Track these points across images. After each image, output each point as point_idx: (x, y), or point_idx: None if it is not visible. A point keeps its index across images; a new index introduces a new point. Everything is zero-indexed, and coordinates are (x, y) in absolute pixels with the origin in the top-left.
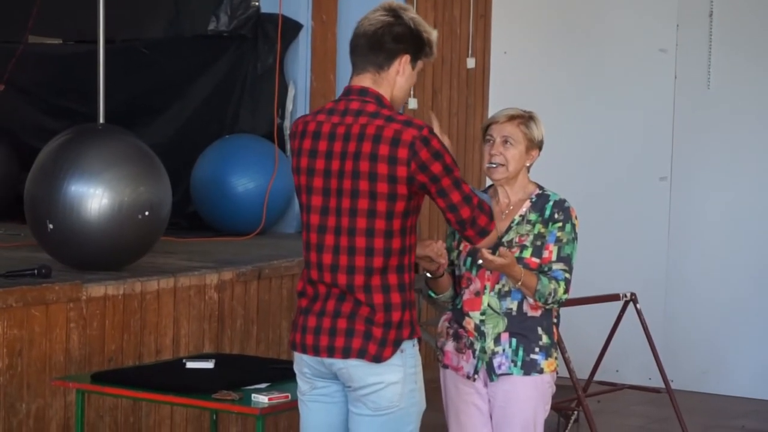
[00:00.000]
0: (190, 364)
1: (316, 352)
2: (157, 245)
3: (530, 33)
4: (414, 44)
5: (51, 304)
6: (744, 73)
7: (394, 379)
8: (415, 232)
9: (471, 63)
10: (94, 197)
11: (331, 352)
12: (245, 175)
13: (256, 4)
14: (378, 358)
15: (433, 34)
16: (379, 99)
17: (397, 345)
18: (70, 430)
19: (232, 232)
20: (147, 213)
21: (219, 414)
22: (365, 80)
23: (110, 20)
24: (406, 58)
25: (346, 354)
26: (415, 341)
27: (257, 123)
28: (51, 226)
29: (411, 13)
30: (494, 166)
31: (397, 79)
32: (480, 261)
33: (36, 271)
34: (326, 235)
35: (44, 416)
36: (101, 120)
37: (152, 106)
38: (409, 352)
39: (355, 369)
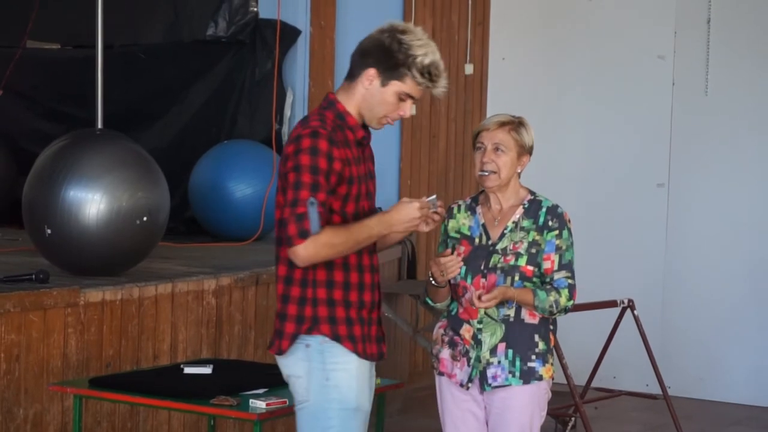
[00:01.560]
0: (187, 370)
1: None
2: (155, 250)
3: (528, 39)
4: (382, 60)
5: (49, 309)
6: (742, 80)
7: (299, 373)
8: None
9: (469, 69)
10: (92, 202)
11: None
12: (243, 181)
13: (255, 9)
14: (279, 351)
15: (425, 59)
16: (330, 103)
17: (293, 339)
18: None
19: (230, 237)
20: (145, 218)
21: (217, 419)
22: (340, 87)
23: (108, 25)
24: (371, 73)
25: (269, 345)
26: (324, 338)
27: (255, 128)
28: (49, 231)
29: (404, 35)
30: (486, 173)
31: (365, 94)
32: (475, 306)
33: (34, 276)
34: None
35: (42, 421)
36: (99, 125)
37: (150, 112)
38: (315, 348)
39: (277, 360)
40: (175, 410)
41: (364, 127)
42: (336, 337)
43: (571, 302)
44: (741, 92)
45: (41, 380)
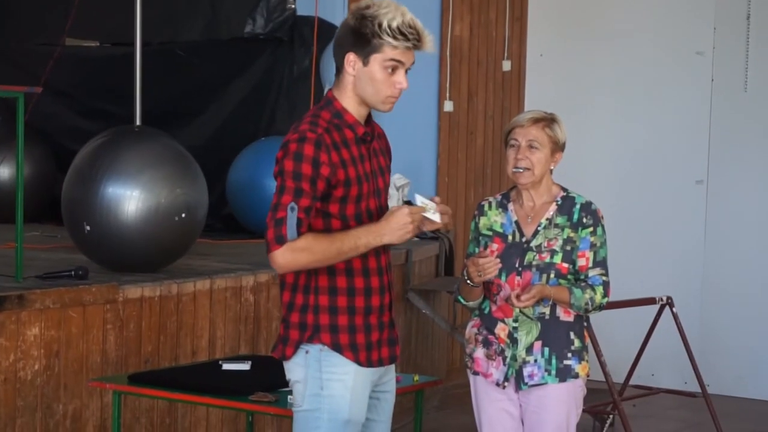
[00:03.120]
0: (226, 366)
1: None
2: (194, 247)
3: (566, 35)
4: (355, 41)
5: (88, 306)
6: None
7: (297, 378)
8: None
9: (507, 65)
10: (131, 199)
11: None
12: None
13: (292, 6)
14: (283, 357)
15: (392, 22)
16: (328, 101)
17: (297, 345)
18: (106, 431)
19: None
20: (183, 215)
21: (255, 415)
22: (334, 84)
23: (147, 23)
24: (351, 57)
25: (272, 349)
26: (324, 346)
27: None
28: (88, 227)
29: (367, 9)
30: (520, 170)
31: (354, 80)
32: (514, 305)
33: (73, 273)
34: None
35: (81, 417)
36: (138, 122)
37: (189, 109)
38: (314, 356)
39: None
40: (214, 406)
41: (367, 122)
42: (336, 347)
43: (606, 299)
44: None
45: (80, 376)
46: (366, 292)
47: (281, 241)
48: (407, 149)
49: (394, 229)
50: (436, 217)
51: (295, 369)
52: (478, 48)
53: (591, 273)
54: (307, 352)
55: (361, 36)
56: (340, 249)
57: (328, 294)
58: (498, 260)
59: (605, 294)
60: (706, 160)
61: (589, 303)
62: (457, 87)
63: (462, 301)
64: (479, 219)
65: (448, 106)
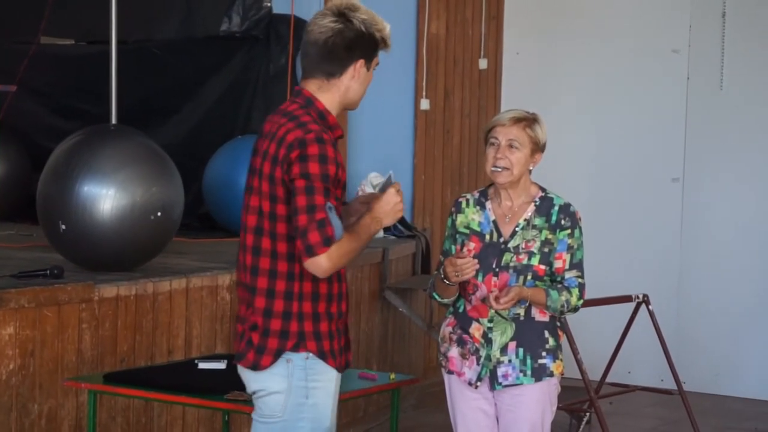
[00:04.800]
0: (202, 365)
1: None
2: (170, 246)
3: (542, 34)
4: (367, 48)
5: (63, 305)
6: (757, 74)
7: (277, 389)
8: None
9: (483, 64)
10: (107, 198)
11: (236, 358)
12: None
13: (268, 4)
14: (255, 366)
15: (387, 29)
16: (308, 101)
17: (278, 355)
18: (82, 431)
19: None
20: (159, 213)
21: (231, 414)
22: (310, 84)
23: (122, 21)
24: (360, 64)
25: (237, 358)
26: (309, 354)
27: None
28: (63, 226)
29: (361, 14)
30: (499, 170)
31: (351, 85)
32: (493, 307)
33: (48, 272)
34: (244, 234)
35: (56, 417)
36: (113, 120)
37: (165, 107)
38: (299, 364)
39: (244, 374)
40: (190, 405)
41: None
42: (322, 354)
43: (581, 301)
44: (756, 87)
45: (56, 376)
46: (338, 298)
47: (329, 242)
48: (384, 148)
49: (387, 211)
50: None
51: (272, 379)
52: (455, 46)
53: (567, 275)
54: (288, 361)
55: (372, 43)
56: (364, 243)
57: (312, 300)
58: (476, 261)
59: (581, 296)
60: (682, 158)
61: (565, 305)
62: (433, 85)
63: (437, 297)
64: (456, 216)
65: (425, 104)
